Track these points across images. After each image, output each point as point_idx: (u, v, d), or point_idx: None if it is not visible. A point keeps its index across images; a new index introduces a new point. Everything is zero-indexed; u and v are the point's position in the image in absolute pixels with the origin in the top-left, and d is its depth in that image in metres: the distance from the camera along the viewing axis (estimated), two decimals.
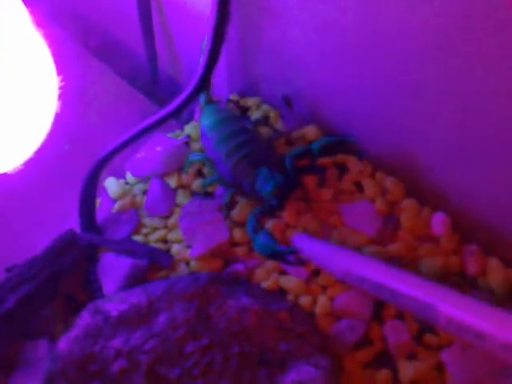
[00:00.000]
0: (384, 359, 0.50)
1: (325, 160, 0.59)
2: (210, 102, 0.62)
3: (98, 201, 0.63)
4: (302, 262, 0.53)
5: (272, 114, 0.64)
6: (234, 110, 0.66)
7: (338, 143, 0.58)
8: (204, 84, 0.58)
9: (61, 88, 0.55)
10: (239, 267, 0.55)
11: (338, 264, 0.51)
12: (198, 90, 0.58)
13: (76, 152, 0.63)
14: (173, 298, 0.50)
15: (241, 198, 0.58)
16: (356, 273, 0.49)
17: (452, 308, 0.44)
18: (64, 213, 0.61)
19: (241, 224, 0.57)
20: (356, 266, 0.50)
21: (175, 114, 0.58)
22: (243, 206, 0.58)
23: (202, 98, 0.62)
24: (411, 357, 0.50)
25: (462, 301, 0.44)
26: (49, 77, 0.56)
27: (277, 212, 0.57)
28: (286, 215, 0.56)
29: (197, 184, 0.61)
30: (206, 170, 0.62)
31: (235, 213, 0.58)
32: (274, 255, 0.52)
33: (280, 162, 0.57)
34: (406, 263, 0.53)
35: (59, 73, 0.56)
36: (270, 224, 0.56)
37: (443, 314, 0.44)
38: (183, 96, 0.58)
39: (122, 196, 0.62)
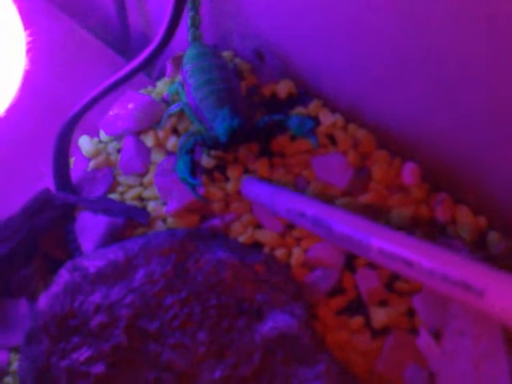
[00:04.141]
0: (357, 306, 0.51)
1: (299, 112, 0.59)
2: (196, 38, 0.62)
3: (73, 160, 0.63)
4: (203, 198, 0.55)
5: (244, 68, 0.64)
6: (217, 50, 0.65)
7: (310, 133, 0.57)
8: (171, 35, 0.57)
9: (29, 45, 0.54)
10: (216, 222, 0.56)
11: (281, 203, 0.53)
12: (165, 42, 0.57)
13: (47, 111, 0.62)
14: (150, 254, 0.51)
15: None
16: (295, 210, 0.52)
17: (382, 240, 0.47)
18: (38, 173, 0.61)
19: (218, 180, 0.58)
20: (296, 204, 0.52)
21: (144, 66, 0.57)
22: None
23: (188, 35, 0.62)
24: (383, 303, 0.51)
25: (391, 234, 0.48)
26: (16, 34, 0.55)
27: (218, 152, 0.57)
28: (259, 169, 0.57)
29: (172, 143, 0.61)
30: (180, 127, 0.62)
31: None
32: (184, 182, 0.55)
33: (246, 110, 0.57)
34: (376, 213, 0.54)
35: (26, 29, 0.54)
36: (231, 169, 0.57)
37: (374, 246, 0.47)
38: (151, 48, 0.57)
39: (96, 155, 0.62)
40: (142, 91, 0.65)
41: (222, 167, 0.58)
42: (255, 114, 0.59)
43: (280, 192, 0.54)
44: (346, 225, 0.49)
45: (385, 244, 0.46)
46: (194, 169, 0.55)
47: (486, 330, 0.43)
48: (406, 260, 0.45)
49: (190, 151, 0.56)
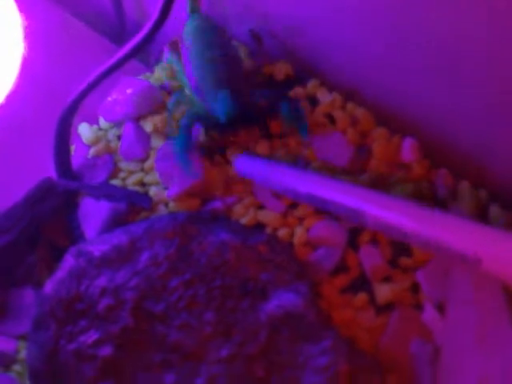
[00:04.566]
0: (361, 284, 0.52)
1: (297, 92, 0.59)
2: (194, 10, 0.61)
3: (73, 148, 0.63)
4: (195, 174, 0.55)
5: (242, 51, 0.64)
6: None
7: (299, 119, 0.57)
8: (165, 17, 0.57)
9: (26, 31, 0.54)
10: (217, 205, 0.56)
11: (274, 179, 0.53)
12: (159, 23, 0.57)
13: (46, 99, 0.62)
14: (153, 237, 0.51)
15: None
16: (290, 186, 0.53)
17: (378, 209, 0.48)
18: (39, 161, 0.61)
19: (219, 163, 0.58)
20: (290, 179, 0.53)
21: (140, 49, 0.57)
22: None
23: (187, 6, 0.61)
24: (387, 280, 0.52)
25: (387, 202, 0.49)
26: (13, 20, 0.55)
27: (216, 133, 0.58)
28: (260, 151, 0.57)
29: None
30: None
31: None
32: (177, 156, 0.55)
33: (246, 90, 0.57)
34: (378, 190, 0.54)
35: (22, 15, 0.54)
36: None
37: (371, 215, 0.48)
38: (145, 31, 0.57)
39: (96, 142, 0.62)
40: (140, 77, 0.65)
41: (222, 150, 0.58)
42: (256, 94, 0.58)
43: (273, 167, 0.54)
44: (340, 195, 0.49)
45: (379, 213, 0.47)
46: (190, 145, 0.55)
47: (488, 295, 0.43)
48: (402, 230, 0.46)
49: (189, 126, 0.56)
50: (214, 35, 0.59)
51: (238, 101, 0.55)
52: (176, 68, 0.60)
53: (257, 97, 0.57)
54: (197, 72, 0.57)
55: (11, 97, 0.58)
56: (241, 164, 0.56)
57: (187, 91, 0.59)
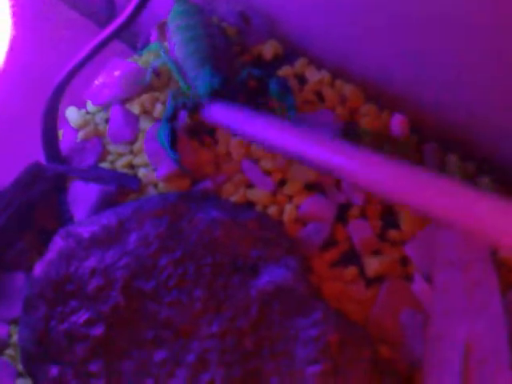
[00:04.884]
0: (350, 257, 0.52)
1: (286, 71, 0.59)
2: None
3: (61, 132, 0.62)
4: (185, 169, 0.55)
5: (230, 32, 0.64)
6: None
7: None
8: None
9: (13, 10, 0.53)
10: (207, 184, 0.56)
11: (239, 125, 0.52)
12: (142, 3, 0.56)
13: (33, 84, 0.62)
14: (143, 217, 0.51)
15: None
16: (260, 135, 0.50)
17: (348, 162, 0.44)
18: (27, 145, 0.60)
19: (207, 143, 0.58)
20: (260, 128, 0.50)
21: (122, 29, 0.57)
22: None
23: None
24: (376, 253, 0.52)
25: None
26: (1, 7, 0.55)
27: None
28: None
29: (158, 110, 0.61)
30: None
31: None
32: (165, 151, 0.55)
33: (230, 69, 0.57)
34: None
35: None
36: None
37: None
38: (128, 11, 0.56)
39: (84, 125, 0.62)
40: (128, 60, 0.65)
41: (211, 130, 0.58)
42: (239, 71, 0.58)
43: (239, 113, 0.52)
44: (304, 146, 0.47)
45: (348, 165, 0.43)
46: (175, 138, 0.55)
47: (475, 256, 0.43)
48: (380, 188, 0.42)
49: (172, 118, 0.56)
50: (197, 16, 0.59)
51: (218, 77, 0.55)
52: (161, 50, 0.60)
53: (244, 75, 0.57)
54: (180, 52, 0.57)
55: None
56: (209, 110, 0.55)
57: (173, 69, 0.59)
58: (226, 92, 0.55)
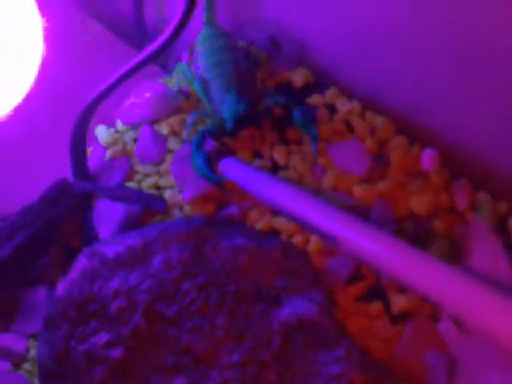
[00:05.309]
0: (376, 293, 0.51)
1: (315, 100, 0.59)
2: (210, 21, 0.62)
3: (90, 149, 0.63)
4: (224, 189, 0.55)
5: (259, 57, 0.64)
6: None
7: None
8: (185, 24, 0.57)
9: (45, 32, 0.54)
10: (233, 210, 0.56)
11: (257, 188, 0.53)
12: (179, 29, 0.57)
13: (63, 100, 0.63)
14: (168, 240, 0.51)
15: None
16: (272, 201, 0.52)
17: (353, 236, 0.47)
18: (55, 162, 0.61)
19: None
20: (269, 190, 0.52)
21: (158, 54, 0.57)
22: None
23: (203, 17, 0.62)
24: (403, 289, 0.51)
25: (365, 229, 0.48)
26: (34, 24, 0.55)
27: (226, 138, 0.57)
28: (276, 156, 0.57)
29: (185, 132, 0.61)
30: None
31: None
32: (204, 177, 0.55)
33: (255, 94, 0.57)
34: (396, 200, 0.53)
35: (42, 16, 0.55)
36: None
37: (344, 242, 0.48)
38: (165, 36, 0.57)
39: (113, 144, 0.62)
40: (158, 81, 0.65)
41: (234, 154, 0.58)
42: (264, 98, 0.58)
43: (256, 175, 0.54)
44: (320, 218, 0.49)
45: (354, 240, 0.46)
46: (210, 162, 0.55)
47: None
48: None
49: (200, 144, 0.56)
50: (222, 40, 0.59)
51: (243, 104, 0.55)
52: (188, 73, 0.61)
53: (270, 102, 0.57)
54: (205, 75, 0.57)
55: (29, 97, 0.58)
56: (226, 166, 0.56)
57: (199, 92, 0.59)
58: (250, 118, 0.55)
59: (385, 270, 0.46)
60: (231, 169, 0.55)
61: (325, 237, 0.49)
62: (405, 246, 0.45)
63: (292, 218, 0.51)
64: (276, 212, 0.55)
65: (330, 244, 0.50)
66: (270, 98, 0.57)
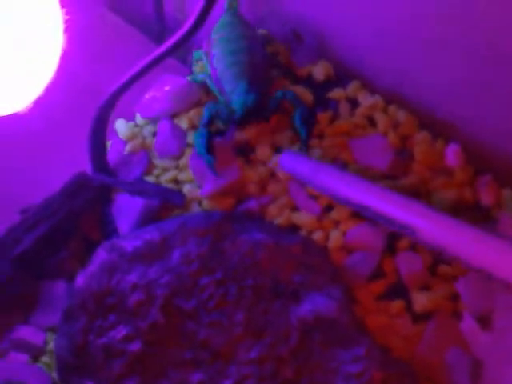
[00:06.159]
0: (397, 290, 0.50)
1: (337, 94, 0.58)
2: (232, 8, 0.61)
3: (109, 143, 0.63)
4: (217, 173, 0.55)
5: (281, 49, 0.63)
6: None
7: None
8: (205, 17, 0.57)
9: (66, 24, 0.54)
10: (252, 204, 0.55)
11: (320, 181, 0.53)
12: (198, 22, 0.57)
13: (83, 93, 0.63)
14: (186, 235, 0.50)
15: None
16: (334, 191, 0.52)
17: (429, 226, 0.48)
18: (75, 155, 0.61)
19: (254, 162, 0.57)
20: (335, 183, 0.52)
21: (178, 47, 0.57)
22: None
23: (225, 3, 0.61)
24: (425, 288, 0.50)
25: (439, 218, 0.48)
26: (54, 17, 0.55)
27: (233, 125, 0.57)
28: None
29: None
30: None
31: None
32: (199, 155, 0.56)
33: (267, 87, 0.57)
34: (418, 196, 0.52)
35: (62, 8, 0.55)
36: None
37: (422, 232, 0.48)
38: (184, 29, 0.56)
39: (132, 138, 0.62)
40: (178, 75, 0.65)
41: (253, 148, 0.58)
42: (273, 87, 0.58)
43: (320, 168, 0.53)
44: (388, 207, 0.48)
45: (429, 230, 0.46)
46: (211, 142, 0.55)
47: None
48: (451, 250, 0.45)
49: (207, 124, 0.56)
50: (242, 29, 0.59)
51: (253, 95, 0.54)
52: (203, 61, 0.61)
53: (279, 96, 0.56)
54: (218, 64, 0.57)
55: (49, 90, 0.58)
56: (285, 160, 0.55)
57: (209, 83, 0.59)
58: (259, 110, 0.55)
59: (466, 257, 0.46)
60: (291, 162, 0.55)
61: (400, 228, 0.49)
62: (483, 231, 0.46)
63: (362, 209, 0.51)
64: (296, 207, 0.55)
65: (406, 235, 0.49)
66: (279, 92, 0.56)
